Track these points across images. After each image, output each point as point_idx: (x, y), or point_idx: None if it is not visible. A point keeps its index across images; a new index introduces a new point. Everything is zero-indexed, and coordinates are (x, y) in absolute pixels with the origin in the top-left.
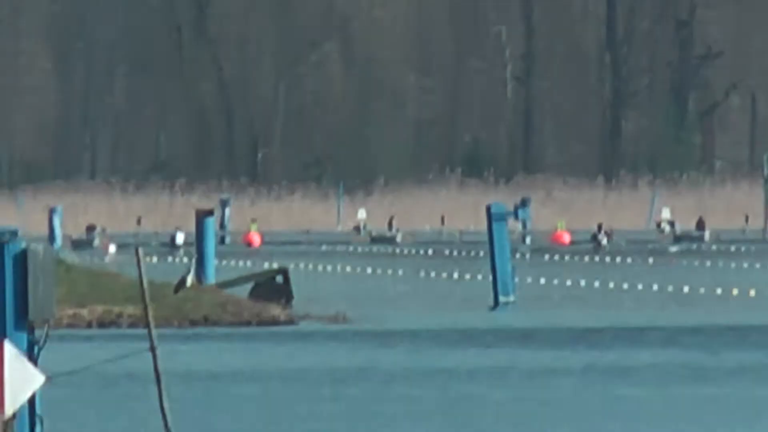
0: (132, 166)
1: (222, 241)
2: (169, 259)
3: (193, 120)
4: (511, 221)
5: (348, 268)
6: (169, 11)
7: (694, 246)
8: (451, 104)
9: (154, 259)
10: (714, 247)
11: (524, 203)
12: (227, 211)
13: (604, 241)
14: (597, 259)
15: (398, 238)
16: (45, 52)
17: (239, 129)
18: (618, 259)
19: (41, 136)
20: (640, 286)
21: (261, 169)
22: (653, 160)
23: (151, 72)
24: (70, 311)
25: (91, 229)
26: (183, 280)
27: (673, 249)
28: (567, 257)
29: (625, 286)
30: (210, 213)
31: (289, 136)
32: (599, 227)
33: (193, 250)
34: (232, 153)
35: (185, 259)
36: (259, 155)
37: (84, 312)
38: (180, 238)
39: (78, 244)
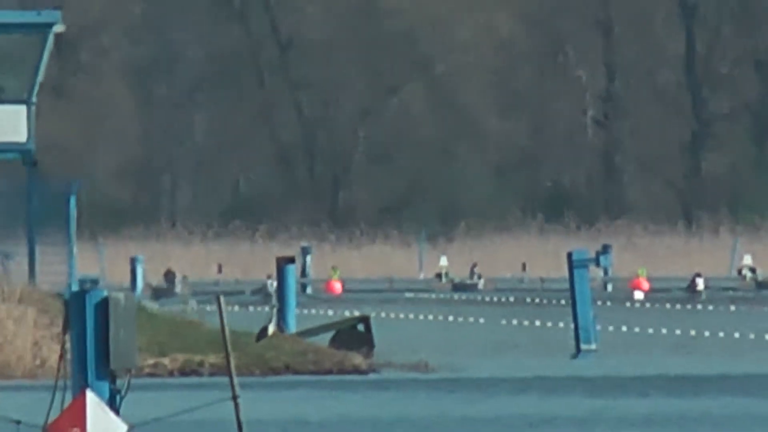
0: (212, 209)
1: (303, 289)
2: (250, 308)
3: (274, 164)
4: (592, 268)
5: (430, 316)
6: (251, 53)
7: None
8: (533, 148)
9: (236, 307)
10: None
11: (606, 250)
12: (308, 258)
13: (701, 286)
14: (678, 306)
15: (480, 285)
16: (126, 95)
17: (320, 173)
18: (699, 306)
19: (122, 181)
20: (721, 334)
21: (342, 212)
22: (734, 202)
23: (232, 116)
24: (152, 360)
25: (170, 275)
26: (265, 329)
27: (753, 295)
28: (648, 304)
29: (707, 333)
30: (291, 260)
31: (370, 180)
32: (697, 274)
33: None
34: (313, 196)
35: (266, 309)
36: (341, 198)
37: (165, 361)
38: (272, 287)
39: (159, 292)
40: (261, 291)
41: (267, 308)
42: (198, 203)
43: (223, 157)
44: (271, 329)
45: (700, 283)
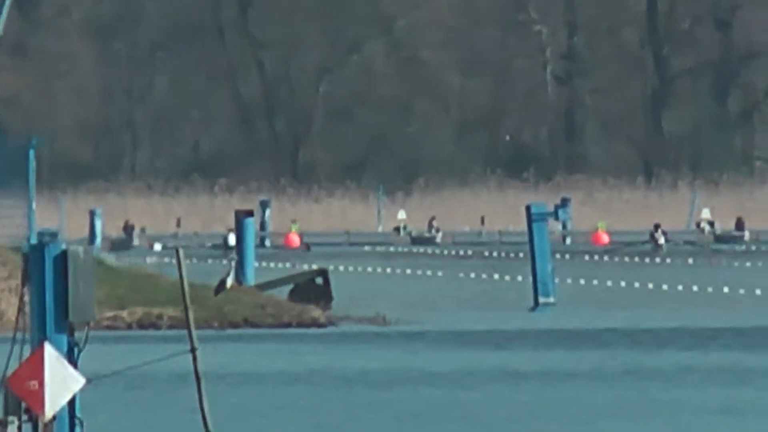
0: (172, 165)
1: (262, 242)
2: (209, 261)
3: (234, 119)
4: (551, 222)
5: (388, 270)
6: (212, 12)
7: (734, 246)
8: (493, 104)
9: (194, 260)
10: (753, 248)
11: (564, 204)
12: (267, 212)
13: (662, 240)
14: (637, 259)
15: (438, 239)
16: (87, 52)
17: (280, 129)
18: (657, 260)
19: (82, 136)
20: (680, 287)
21: (302, 168)
22: (694, 159)
23: (192, 73)
24: (110, 313)
25: (129, 227)
26: (223, 282)
27: (714, 248)
28: (606, 258)
29: (665, 287)
30: (250, 214)
31: (330, 136)
32: (656, 227)
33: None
34: (273, 154)
35: (224, 261)
36: (300, 156)
37: (124, 314)
38: (233, 240)
39: (117, 245)
40: (222, 244)
41: (226, 261)
42: (158, 159)
43: (183, 114)
44: (229, 282)
45: (661, 236)
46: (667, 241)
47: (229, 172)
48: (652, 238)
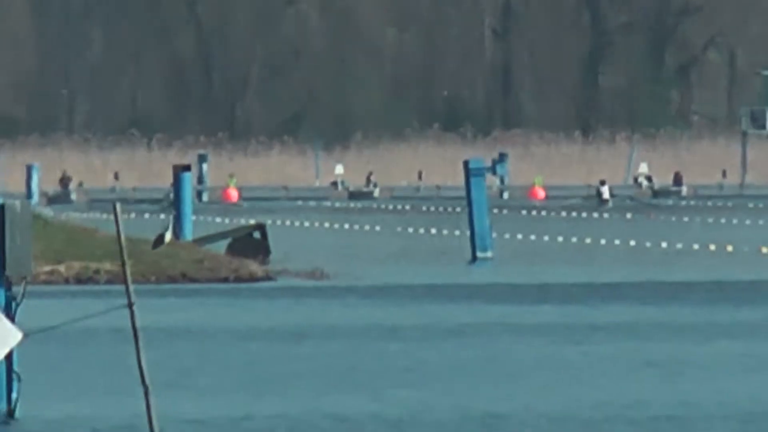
0: (109, 120)
1: (199, 196)
2: (146, 215)
3: (171, 75)
4: (488, 177)
5: (326, 224)
6: None
7: (672, 201)
8: (430, 59)
9: (132, 215)
10: (691, 202)
11: (502, 158)
12: (205, 166)
13: (607, 195)
14: (574, 214)
15: (376, 194)
16: (22, 7)
17: (217, 83)
18: (595, 215)
19: (18, 91)
20: (617, 242)
21: (239, 124)
22: (631, 114)
23: (128, 26)
24: (48, 267)
25: (65, 181)
26: (161, 237)
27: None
28: (544, 213)
29: (603, 241)
30: (187, 168)
31: (266, 91)
32: (602, 182)
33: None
34: (210, 108)
35: (162, 216)
36: (237, 110)
37: (61, 268)
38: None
39: (54, 200)
40: (164, 199)
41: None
42: (95, 115)
43: (119, 70)
44: (167, 236)
45: (606, 191)
46: (612, 196)
47: (166, 128)
48: (598, 194)
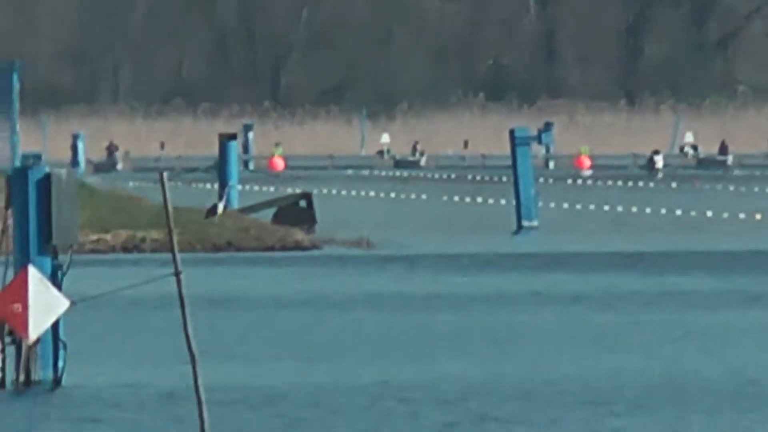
0: (154, 90)
1: (245, 165)
2: (193, 184)
3: (214, 44)
4: (534, 146)
5: (371, 193)
6: None
7: (718, 170)
8: (474, 29)
9: (178, 184)
10: (737, 172)
11: (547, 127)
12: (250, 135)
13: (660, 164)
14: (619, 183)
15: (422, 163)
16: None
17: (261, 53)
18: (640, 184)
19: (63, 60)
20: (663, 211)
21: (283, 93)
22: (675, 84)
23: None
24: (94, 236)
25: (111, 149)
26: (214, 207)
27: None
28: (590, 182)
29: (648, 210)
30: (233, 137)
31: (311, 61)
32: (656, 152)
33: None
34: (255, 77)
35: (208, 186)
36: (282, 80)
37: (107, 237)
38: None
39: (100, 168)
40: (214, 167)
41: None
42: (139, 85)
43: (163, 41)
44: (220, 207)
45: (659, 161)
46: (665, 165)
47: (210, 97)
48: (650, 162)
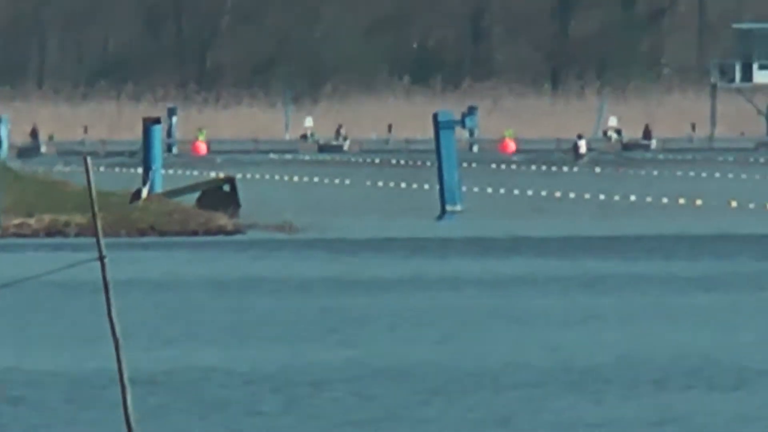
0: (79, 71)
1: (169, 149)
2: (116, 169)
3: (142, 25)
4: (458, 130)
5: (295, 177)
6: None
7: (641, 154)
8: (402, 7)
9: (101, 168)
10: (661, 156)
11: (471, 111)
12: (174, 119)
13: (584, 150)
14: (543, 168)
15: (345, 147)
16: None
17: (187, 33)
18: (564, 168)
19: None
20: (587, 195)
21: (209, 74)
22: (601, 64)
23: None
24: (17, 220)
25: (35, 133)
26: (138, 192)
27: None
28: (513, 166)
29: (572, 195)
30: (157, 121)
31: (236, 41)
32: (579, 136)
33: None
34: (180, 57)
35: (132, 170)
36: (207, 59)
37: (31, 221)
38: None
39: (24, 152)
40: (138, 152)
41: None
42: (65, 64)
43: (90, 17)
44: (144, 192)
45: (583, 146)
46: (589, 150)
47: (136, 77)
48: (574, 147)
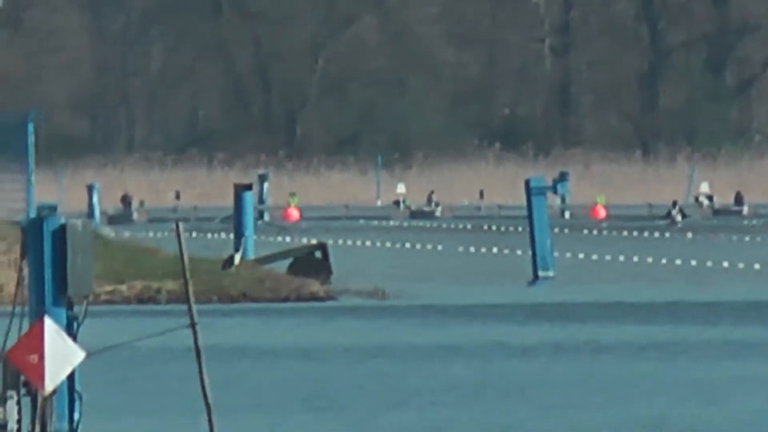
0: (168, 139)
1: (261, 216)
2: (208, 235)
3: (231, 94)
4: (549, 196)
5: (387, 243)
6: None
7: (733, 221)
8: (489, 77)
9: (193, 234)
10: (753, 222)
11: (563, 177)
12: (265, 185)
13: (679, 218)
14: (635, 234)
15: (437, 213)
16: (80, 26)
17: (276, 103)
18: (656, 234)
19: (78, 110)
20: (678, 261)
21: (298, 143)
22: (690, 133)
23: (188, 46)
24: (109, 287)
25: (126, 199)
26: (231, 258)
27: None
28: (605, 232)
29: (664, 261)
30: (248, 187)
31: (325, 112)
32: (674, 204)
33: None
34: (268, 128)
35: (223, 235)
36: (297, 129)
37: (123, 288)
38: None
39: (115, 219)
40: (231, 218)
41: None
42: (154, 134)
43: (178, 89)
44: (237, 258)
45: (678, 213)
46: (684, 217)
47: (225, 147)
48: (669, 215)
